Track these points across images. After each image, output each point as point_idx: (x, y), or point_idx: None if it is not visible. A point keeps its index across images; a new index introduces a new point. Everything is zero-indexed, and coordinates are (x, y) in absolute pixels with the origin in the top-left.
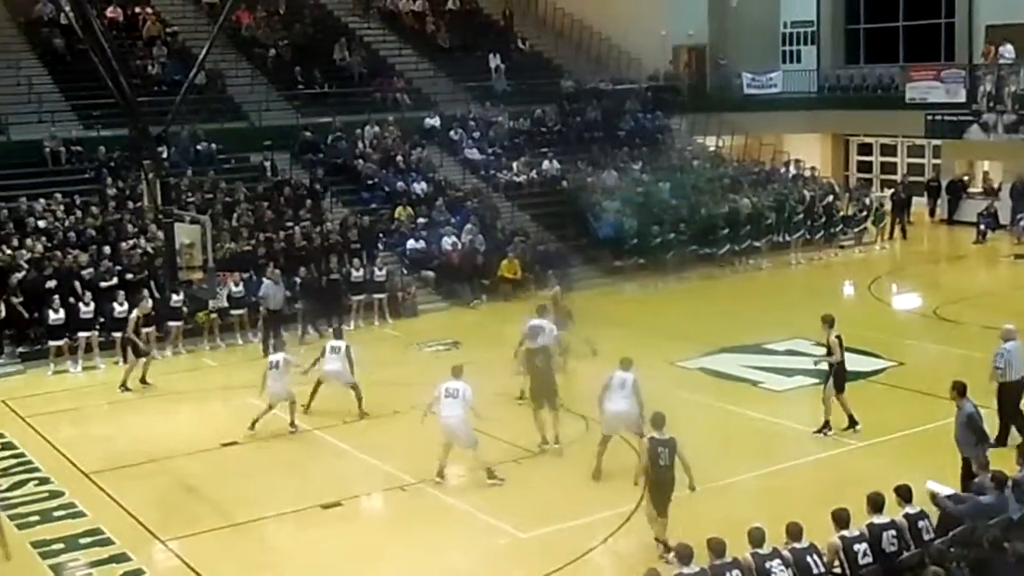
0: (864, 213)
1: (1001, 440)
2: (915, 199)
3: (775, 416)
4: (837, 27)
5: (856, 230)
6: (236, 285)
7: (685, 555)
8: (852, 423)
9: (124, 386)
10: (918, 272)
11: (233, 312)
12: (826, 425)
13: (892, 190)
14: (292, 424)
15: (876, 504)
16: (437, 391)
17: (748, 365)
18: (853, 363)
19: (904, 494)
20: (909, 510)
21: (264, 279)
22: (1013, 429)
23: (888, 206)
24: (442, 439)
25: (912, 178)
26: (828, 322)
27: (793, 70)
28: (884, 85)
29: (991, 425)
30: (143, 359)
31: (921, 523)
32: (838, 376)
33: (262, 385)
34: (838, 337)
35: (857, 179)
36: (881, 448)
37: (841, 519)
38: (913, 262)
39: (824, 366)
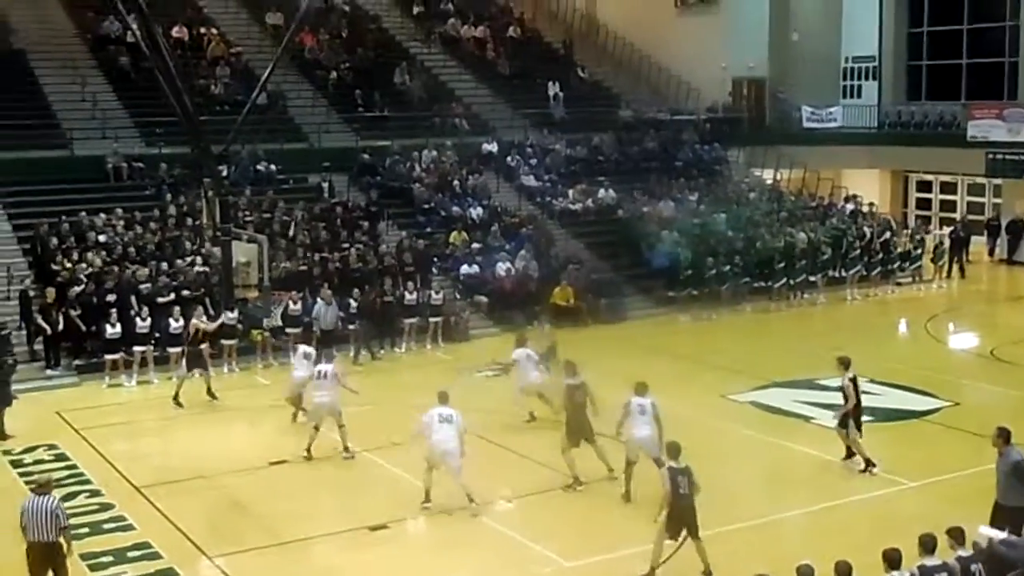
0: (920, 251)
1: None
2: (974, 238)
3: (826, 452)
4: (899, 63)
5: (913, 267)
6: (295, 304)
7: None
8: (869, 464)
9: (176, 400)
10: (976, 312)
11: (287, 331)
12: (869, 463)
13: (951, 228)
14: (346, 449)
15: (928, 546)
16: (428, 417)
17: (800, 400)
18: (907, 402)
19: (957, 536)
20: (962, 553)
21: (317, 299)
22: None
23: (947, 244)
24: (428, 463)
25: (972, 217)
26: (844, 364)
27: (853, 105)
28: (945, 122)
29: None
30: (199, 373)
31: (974, 567)
32: (856, 418)
33: (298, 397)
34: (852, 380)
35: (916, 216)
36: (934, 489)
37: (892, 559)
38: (971, 301)
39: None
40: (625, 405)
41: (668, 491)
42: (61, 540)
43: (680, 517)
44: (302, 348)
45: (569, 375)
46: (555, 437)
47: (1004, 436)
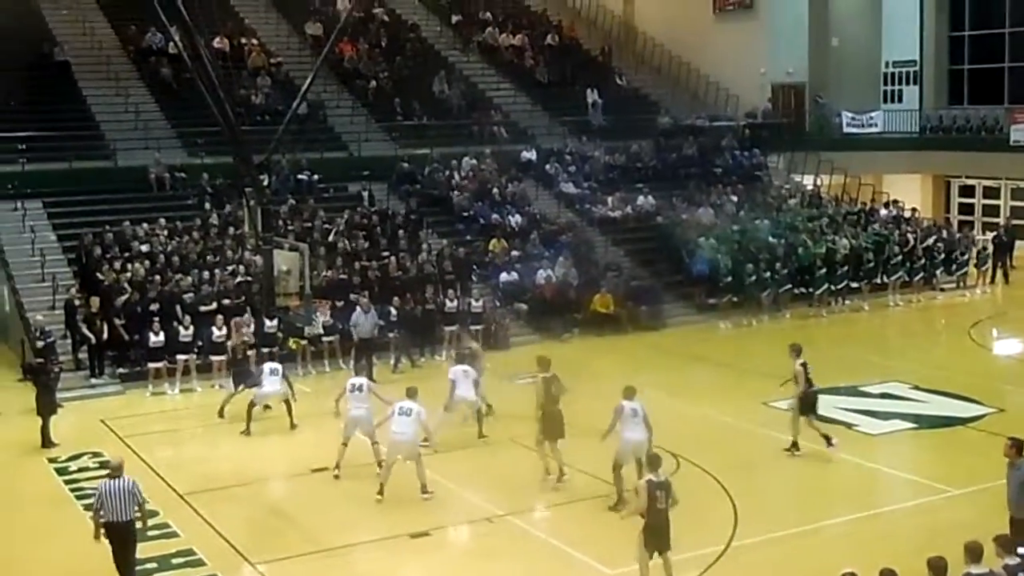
0: (966, 256)
1: None
2: (1018, 243)
3: (869, 460)
4: (940, 68)
5: (958, 273)
6: (325, 315)
7: None
8: (795, 446)
9: (220, 413)
10: (1020, 317)
11: (324, 339)
12: (794, 445)
13: (994, 233)
14: (379, 464)
15: (975, 553)
16: (391, 409)
17: (842, 407)
18: (952, 408)
19: (1005, 544)
20: (1009, 561)
21: (318, 315)
22: None
23: (990, 249)
24: (388, 456)
25: (1015, 221)
26: (795, 351)
27: (894, 110)
28: (988, 127)
29: None
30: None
31: (1021, 574)
32: (804, 401)
33: (336, 408)
34: (803, 365)
35: (958, 222)
36: (979, 496)
37: (938, 568)
38: (1015, 307)
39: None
40: (617, 409)
41: (644, 505)
42: (137, 515)
43: (658, 531)
44: (269, 365)
45: (543, 369)
46: (597, 446)
47: (1017, 447)
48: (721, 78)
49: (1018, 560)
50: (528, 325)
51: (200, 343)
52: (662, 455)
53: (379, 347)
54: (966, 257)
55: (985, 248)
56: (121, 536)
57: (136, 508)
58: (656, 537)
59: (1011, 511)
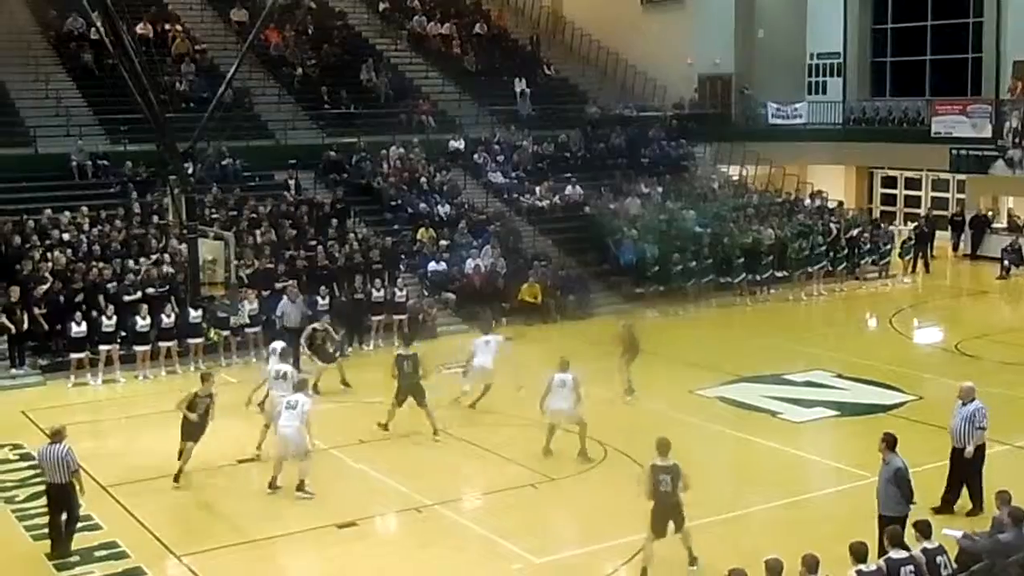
0: (888, 246)
1: None
2: (939, 233)
3: (793, 447)
4: (863, 60)
5: (882, 263)
6: (251, 303)
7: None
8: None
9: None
10: (940, 306)
11: (249, 329)
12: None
13: (915, 224)
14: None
15: (895, 539)
16: (279, 404)
17: (767, 395)
18: (873, 396)
19: (923, 529)
20: (928, 545)
21: (245, 304)
22: None
23: (912, 239)
24: (276, 450)
25: (936, 212)
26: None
27: (819, 101)
28: (910, 118)
29: None
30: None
31: (940, 559)
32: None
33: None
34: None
35: (880, 213)
36: None
37: (859, 553)
38: (935, 296)
39: None
40: (549, 380)
41: (648, 489)
42: (73, 482)
43: (664, 514)
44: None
45: (402, 348)
46: (520, 433)
47: (889, 442)
48: (649, 69)
49: (937, 544)
50: (456, 314)
51: (123, 333)
52: (591, 444)
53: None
54: (888, 247)
55: (910, 239)
56: (56, 497)
57: (69, 474)
58: (662, 519)
59: (879, 507)
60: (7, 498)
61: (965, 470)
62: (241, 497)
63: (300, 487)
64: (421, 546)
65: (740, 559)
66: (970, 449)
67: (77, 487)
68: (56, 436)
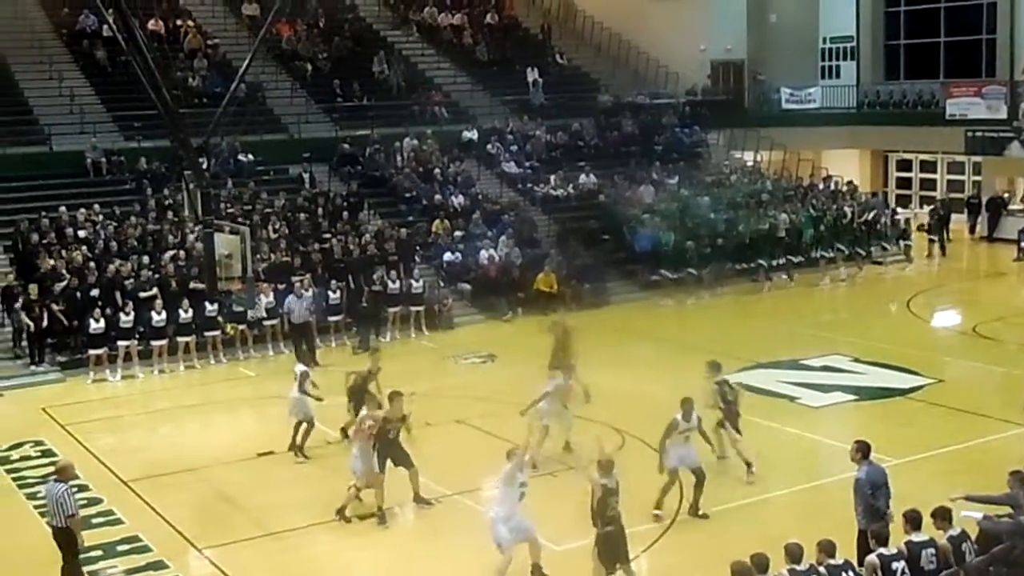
0: (907, 230)
1: None
2: (955, 216)
3: (811, 432)
4: (877, 43)
5: (903, 244)
6: (267, 296)
7: (761, 564)
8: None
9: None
10: (957, 289)
11: (266, 323)
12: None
13: (931, 207)
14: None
15: (915, 522)
16: None
17: (785, 380)
18: (891, 380)
19: (943, 515)
20: (952, 532)
21: (262, 297)
22: None
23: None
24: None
25: (952, 195)
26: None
27: (832, 85)
28: (924, 101)
29: None
30: None
31: (964, 545)
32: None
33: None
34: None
35: (896, 195)
36: (919, 465)
37: (880, 537)
38: (952, 279)
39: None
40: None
41: (596, 509)
42: (70, 527)
43: (616, 541)
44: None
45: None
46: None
47: (862, 450)
48: (661, 56)
49: (959, 530)
50: (472, 305)
51: (141, 329)
52: (607, 431)
53: (322, 330)
54: (907, 231)
55: (923, 225)
56: (57, 541)
57: (65, 518)
58: (613, 548)
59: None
60: (30, 494)
61: None
62: (261, 490)
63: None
64: (440, 536)
65: (761, 544)
66: None
67: (75, 534)
68: (60, 473)
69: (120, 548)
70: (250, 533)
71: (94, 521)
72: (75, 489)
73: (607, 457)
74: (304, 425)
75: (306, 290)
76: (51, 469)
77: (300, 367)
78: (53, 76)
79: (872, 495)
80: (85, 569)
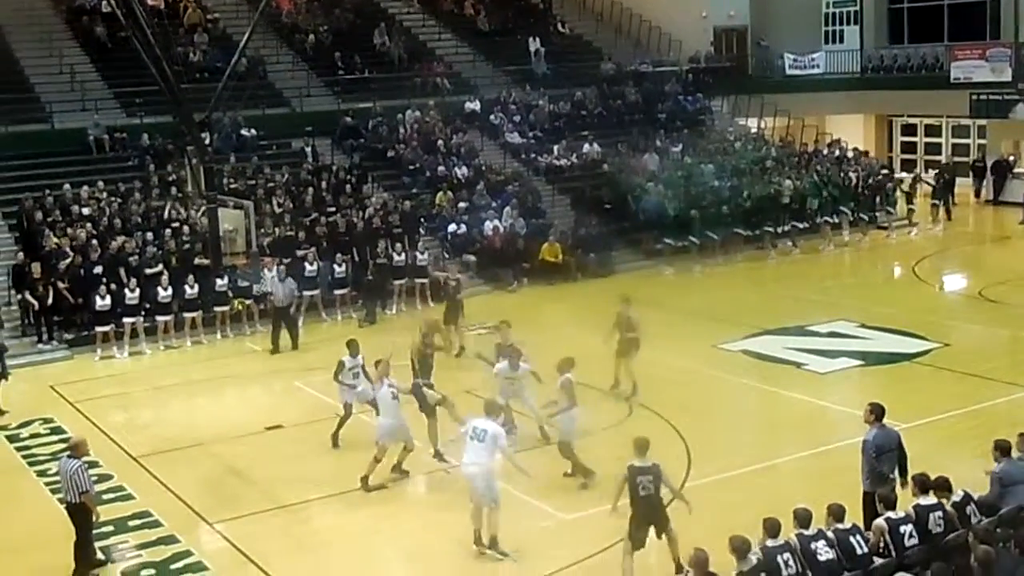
0: (909, 192)
1: None
2: (960, 179)
3: (818, 398)
4: (880, 6)
5: (908, 208)
6: (270, 271)
7: (742, 549)
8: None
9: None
10: (963, 253)
11: (270, 298)
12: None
13: (936, 171)
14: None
15: (923, 485)
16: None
17: (791, 347)
18: (898, 345)
19: (943, 485)
20: (955, 498)
21: (266, 272)
22: None
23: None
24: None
25: (957, 158)
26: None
27: (836, 50)
28: (928, 65)
29: None
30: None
31: (968, 508)
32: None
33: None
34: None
35: (901, 160)
36: (927, 429)
37: (887, 500)
38: (958, 243)
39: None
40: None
41: (627, 491)
42: (85, 502)
43: (645, 519)
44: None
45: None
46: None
47: (876, 412)
48: (663, 23)
49: (962, 494)
50: (477, 276)
51: (147, 305)
52: (615, 400)
53: (328, 304)
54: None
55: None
56: (70, 517)
57: (78, 494)
58: (644, 524)
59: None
60: (40, 471)
61: None
62: (271, 464)
63: (491, 544)
64: (449, 507)
65: (770, 509)
66: None
67: (90, 510)
68: (74, 449)
69: (131, 523)
70: (261, 507)
71: (105, 497)
72: (87, 465)
73: (642, 439)
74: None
75: (310, 264)
76: (61, 447)
77: (347, 358)
78: (53, 53)
79: (876, 458)
80: (97, 544)
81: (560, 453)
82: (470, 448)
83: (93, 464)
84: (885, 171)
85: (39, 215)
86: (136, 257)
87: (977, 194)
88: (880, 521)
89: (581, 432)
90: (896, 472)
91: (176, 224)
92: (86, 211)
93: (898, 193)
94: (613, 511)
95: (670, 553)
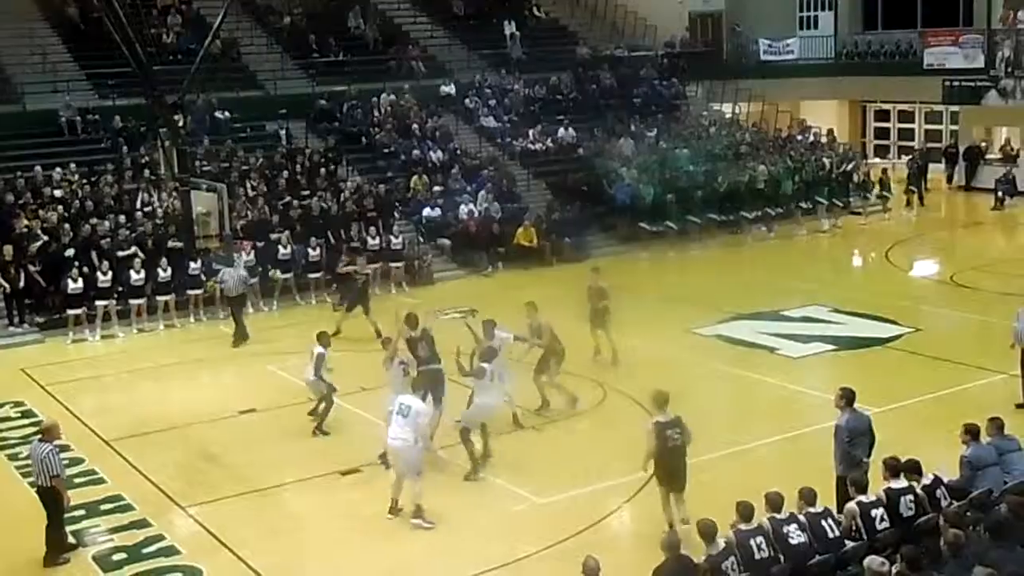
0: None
1: None
2: (932, 166)
3: (791, 382)
4: None
5: (877, 195)
6: (248, 255)
7: (709, 533)
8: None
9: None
10: (935, 239)
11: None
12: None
13: (909, 157)
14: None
15: (893, 469)
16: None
17: (765, 332)
18: (870, 329)
19: (914, 468)
20: (925, 481)
21: (242, 256)
22: None
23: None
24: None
25: (930, 144)
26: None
27: (810, 36)
28: (902, 51)
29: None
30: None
31: (938, 491)
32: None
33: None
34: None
35: (875, 146)
36: (898, 413)
37: (859, 484)
38: (930, 229)
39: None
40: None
41: (656, 446)
42: (55, 486)
43: (676, 469)
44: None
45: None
46: (522, 377)
47: (846, 396)
48: (639, 8)
49: (932, 478)
50: (452, 260)
51: (120, 288)
52: (590, 384)
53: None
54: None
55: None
56: (41, 501)
57: (49, 478)
58: (673, 474)
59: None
60: (11, 455)
61: None
62: (244, 448)
63: (416, 513)
64: (425, 491)
65: (744, 493)
66: None
67: (60, 494)
68: (45, 433)
69: (103, 507)
70: (234, 490)
71: (76, 481)
72: (58, 449)
73: (661, 393)
74: (323, 404)
75: (284, 247)
76: (32, 430)
77: (318, 348)
78: (25, 34)
79: (850, 443)
80: (68, 528)
81: (460, 436)
82: (395, 423)
83: (64, 448)
84: (852, 164)
85: (10, 197)
86: (108, 240)
87: (949, 180)
88: (852, 505)
89: (483, 422)
90: (867, 456)
91: (149, 207)
92: (58, 193)
93: (872, 178)
94: (644, 471)
95: (677, 513)
